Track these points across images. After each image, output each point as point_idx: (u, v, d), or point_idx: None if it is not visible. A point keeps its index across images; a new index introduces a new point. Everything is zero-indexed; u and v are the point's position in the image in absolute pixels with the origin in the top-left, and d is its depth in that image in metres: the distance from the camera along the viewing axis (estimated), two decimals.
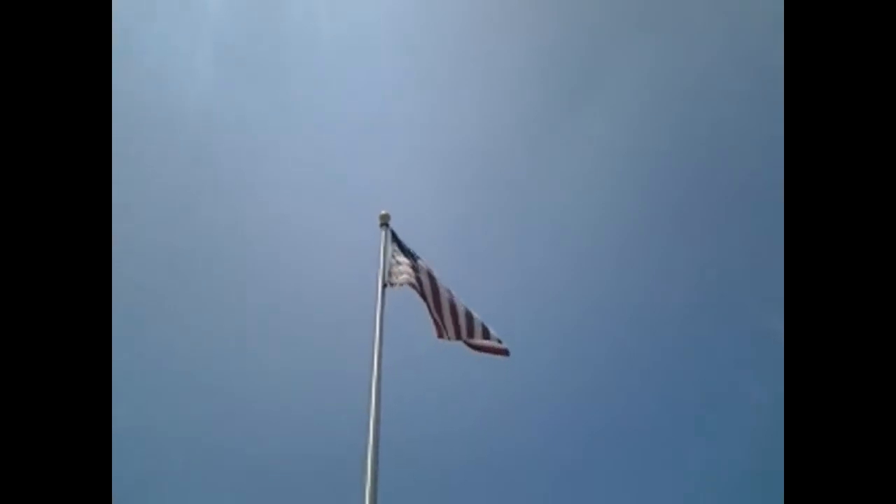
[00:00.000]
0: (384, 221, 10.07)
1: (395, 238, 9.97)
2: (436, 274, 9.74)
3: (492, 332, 9.67)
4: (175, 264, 19.20)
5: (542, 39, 21.39)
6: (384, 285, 8.99)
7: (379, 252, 9.56)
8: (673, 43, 21.29)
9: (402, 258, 9.69)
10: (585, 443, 18.99)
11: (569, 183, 21.38)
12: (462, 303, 9.65)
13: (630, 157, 21.57)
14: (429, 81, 21.92)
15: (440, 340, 9.66)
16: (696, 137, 21.00)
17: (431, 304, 9.60)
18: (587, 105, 21.35)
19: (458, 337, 9.62)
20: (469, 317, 9.65)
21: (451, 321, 9.60)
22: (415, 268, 9.58)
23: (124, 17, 17.56)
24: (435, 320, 9.63)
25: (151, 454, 16.52)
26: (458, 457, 17.96)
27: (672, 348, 19.74)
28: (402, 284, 9.30)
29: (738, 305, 19.68)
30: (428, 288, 9.59)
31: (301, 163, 21.40)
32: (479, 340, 9.67)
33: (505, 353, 9.71)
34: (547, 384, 19.18)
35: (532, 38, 21.40)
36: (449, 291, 9.67)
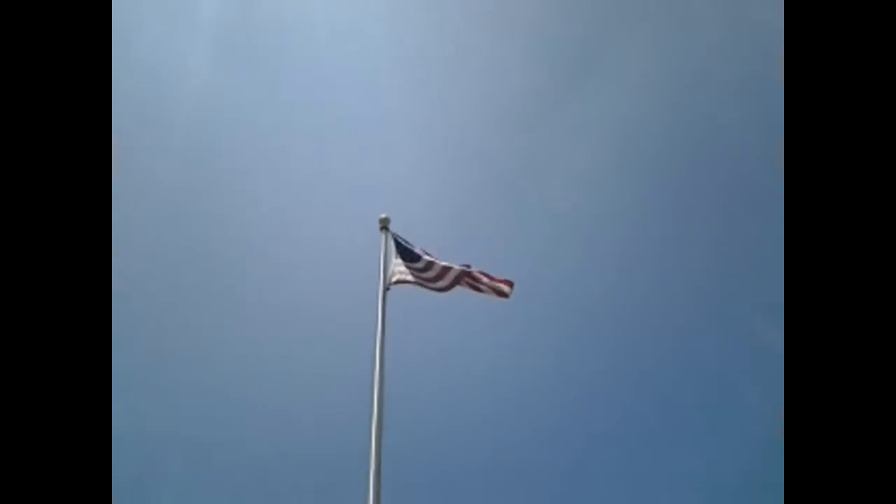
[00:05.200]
0: (384, 225, 10.10)
1: (396, 241, 10.01)
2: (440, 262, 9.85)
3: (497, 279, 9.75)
4: (176, 265, 19.22)
5: (542, 29, 21.41)
6: (385, 288, 9.03)
7: (379, 255, 9.60)
8: (673, 34, 21.30)
9: (399, 261, 9.74)
10: (584, 449, 18.96)
11: (566, 183, 21.39)
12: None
13: (628, 158, 21.57)
14: (427, 76, 21.93)
15: (445, 294, 9.77)
16: (695, 137, 21.01)
17: (431, 276, 9.70)
18: (583, 101, 21.33)
19: (458, 281, 9.73)
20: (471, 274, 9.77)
21: (453, 275, 9.70)
22: (410, 267, 9.66)
23: (121, 14, 17.59)
24: (432, 284, 9.73)
25: (151, 454, 16.54)
26: (460, 458, 17.96)
27: (671, 355, 19.71)
28: (395, 283, 9.38)
29: (737, 312, 19.65)
30: (426, 270, 9.70)
31: (300, 162, 21.43)
32: (484, 279, 9.72)
33: (505, 293, 9.74)
34: (546, 389, 19.16)
35: (531, 27, 21.43)
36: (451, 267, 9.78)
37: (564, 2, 22.24)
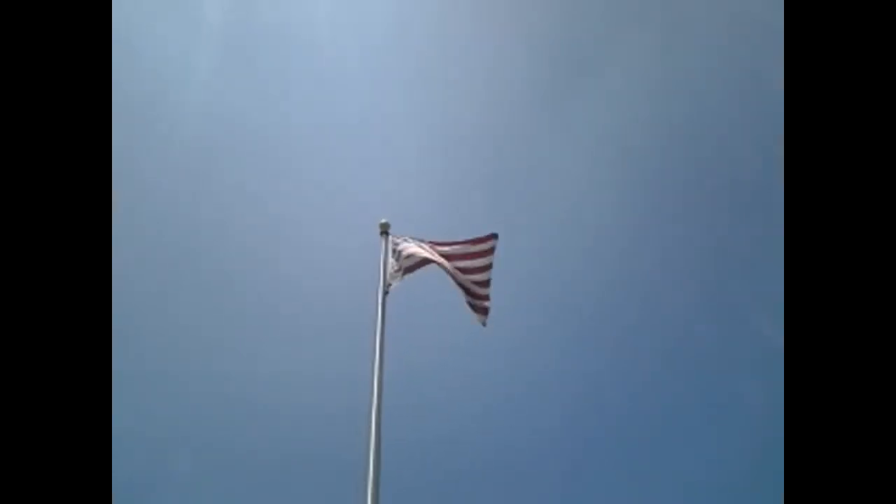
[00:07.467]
0: (384, 230, 10.11)
1: (395, 244, 10.04)
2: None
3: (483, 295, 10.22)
4: (177, 267, 19.24)
5: (542, 30, 21.45)
6: (385, 292, 9.06)
7: (379, 260, 9.61)
8: (673, 34, 21.35)
9: (405, 245, 9.84)
10: (584, 448, 18.98)
11: (567, 184, 21.43)
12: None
13: (628, 157, 21.62)
14: (428, 78, 21.99)
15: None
16: (695, 136, 21.06)
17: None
18: (583, 102, 21.37)
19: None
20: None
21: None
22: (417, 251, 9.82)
23: (124, 16, 17.64)
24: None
25: (150, 454, 16.54)
26: (459, 459, 17.98)
27: (671, 352, 19.74)
28: (411, 267, 9.50)
29: (737, 309, 19.68)
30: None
31: (301, 165, 21.46)
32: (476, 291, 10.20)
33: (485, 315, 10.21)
34: (546, 388, 19.19)
35: (531, 28, 21.48)
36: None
37: (564, 2, 22.30)
